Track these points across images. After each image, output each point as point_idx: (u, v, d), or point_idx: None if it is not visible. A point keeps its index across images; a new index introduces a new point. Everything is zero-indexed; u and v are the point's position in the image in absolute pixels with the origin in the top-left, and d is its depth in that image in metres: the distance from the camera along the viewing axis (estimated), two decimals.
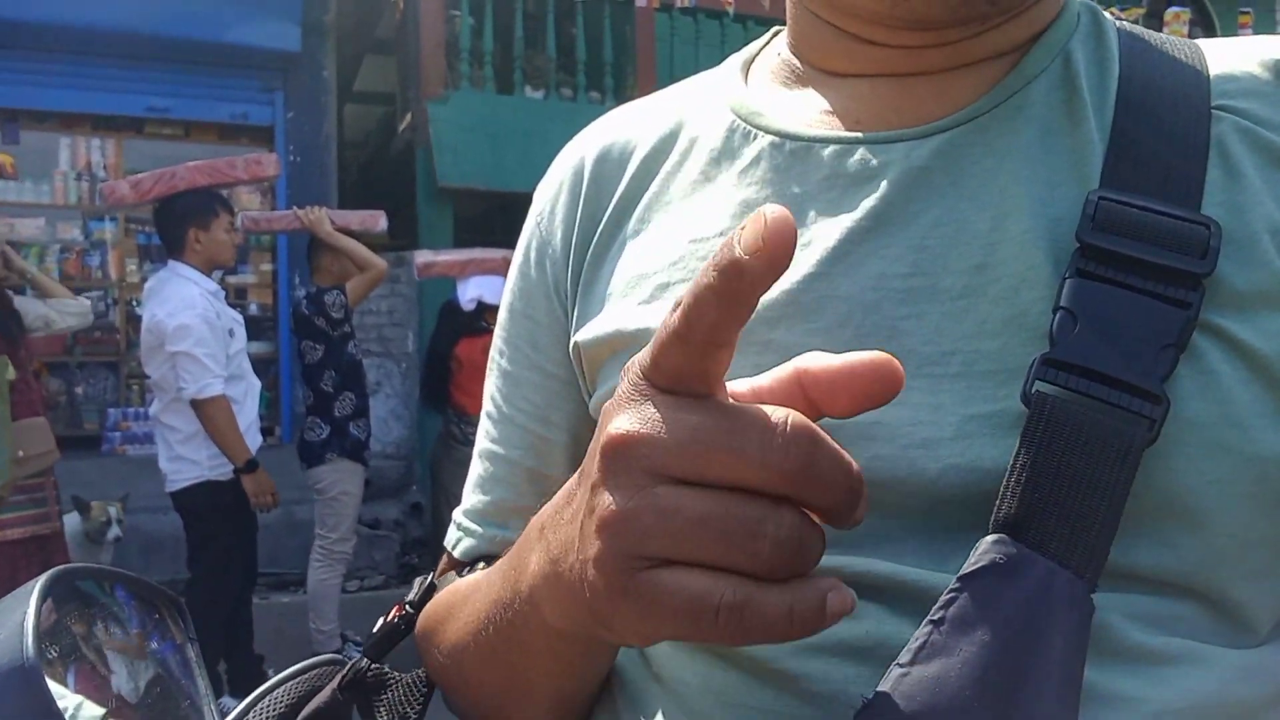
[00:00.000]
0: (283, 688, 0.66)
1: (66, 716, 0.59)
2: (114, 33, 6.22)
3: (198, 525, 3.78)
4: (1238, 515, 0.47)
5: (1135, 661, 0.46)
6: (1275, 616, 0.50)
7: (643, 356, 0.39)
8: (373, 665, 0.69)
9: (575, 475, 0.44)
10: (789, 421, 0.36)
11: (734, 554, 0.36)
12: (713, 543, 0.36)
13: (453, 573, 0.70)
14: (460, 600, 0.62)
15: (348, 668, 0.69)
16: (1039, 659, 0.41)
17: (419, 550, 6.25)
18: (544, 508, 0.48)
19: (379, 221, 4.53)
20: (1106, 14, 0.59)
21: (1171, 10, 5.69)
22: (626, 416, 0.38)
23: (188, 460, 3.70)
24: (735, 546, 0.35)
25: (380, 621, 0.70)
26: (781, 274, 0.35)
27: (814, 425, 0.37)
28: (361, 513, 4.74)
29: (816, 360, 0.39)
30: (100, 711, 0.63)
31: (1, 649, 0.50)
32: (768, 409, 0.37)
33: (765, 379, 0.41)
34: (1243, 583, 0.48)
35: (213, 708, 0.71)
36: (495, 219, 7.08)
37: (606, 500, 0.37)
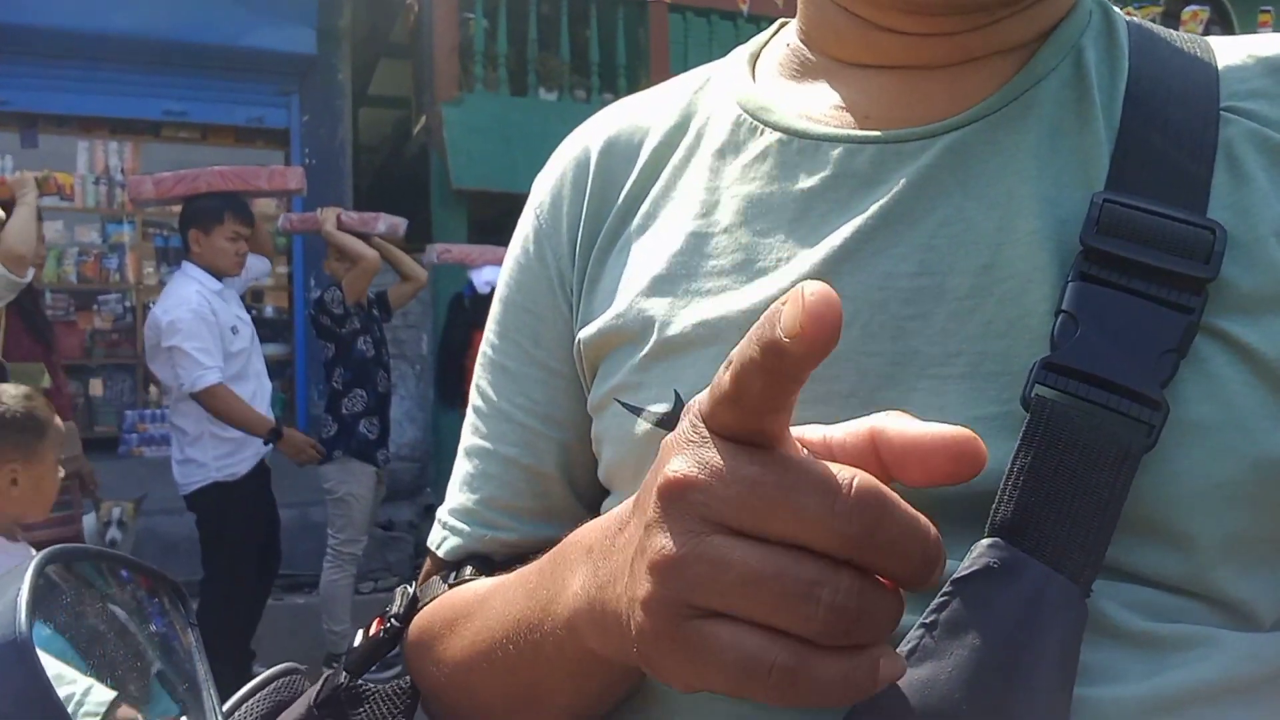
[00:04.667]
0: (247, 704, 0.65)
1: (74, 701, 0.59)
2: (131, 38, 6.27)
3: (208, 526, 3.82)
4: (1239, 516, 0.46)
5: (1136, 647, 0.46)
6: (1278, 608, 0.49)
7: (703, 399, 0.38)
8: (351, 681, 0.67)
9: (630, 503, 0.42)
10: (855, 484, 0.34)
11: (787, 616, 0.34)
12: (765, 602, 0.34)
13: (437, 578, 0.68)
14: (464, 613, 0.61)
15: (322, 681, 0.67)
16: (1031, 663, 0.41)
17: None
18: (587, 529, 0.47)
19: (377, 223, 4.55)
20: (1117, 9, 0.59)
21: (1189, 9, 5.65)
22: (685, 458, 0.37)
23: (196, 463, 3.74)
24: (788, 609, 0.34)
25: (360, 635, 0.68)
26: (827, 353, 0.33)
27: (883, 491, 0.35)
28: (375, 514, 4.75)
29: (894, 423, 0.38)
30: (109, 696, 0.63)
31: None
32: (835, 468, 0.35)
33: (838, 431, 0.40)
34: (1241, 580, 0.47)
35: (212, 692, 0.70)
36: (509, 221, 7.04)
37: (660, 543, 0.36)
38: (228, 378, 3.70)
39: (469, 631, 0.59)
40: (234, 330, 3.81)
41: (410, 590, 0.69)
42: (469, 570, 0.66)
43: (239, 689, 0.66)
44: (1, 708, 0.48)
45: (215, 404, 3.64)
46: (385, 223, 4.58)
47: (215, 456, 3.73)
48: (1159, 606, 0.46)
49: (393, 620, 0.67)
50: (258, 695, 0.66)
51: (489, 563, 0.67)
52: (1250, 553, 0.47)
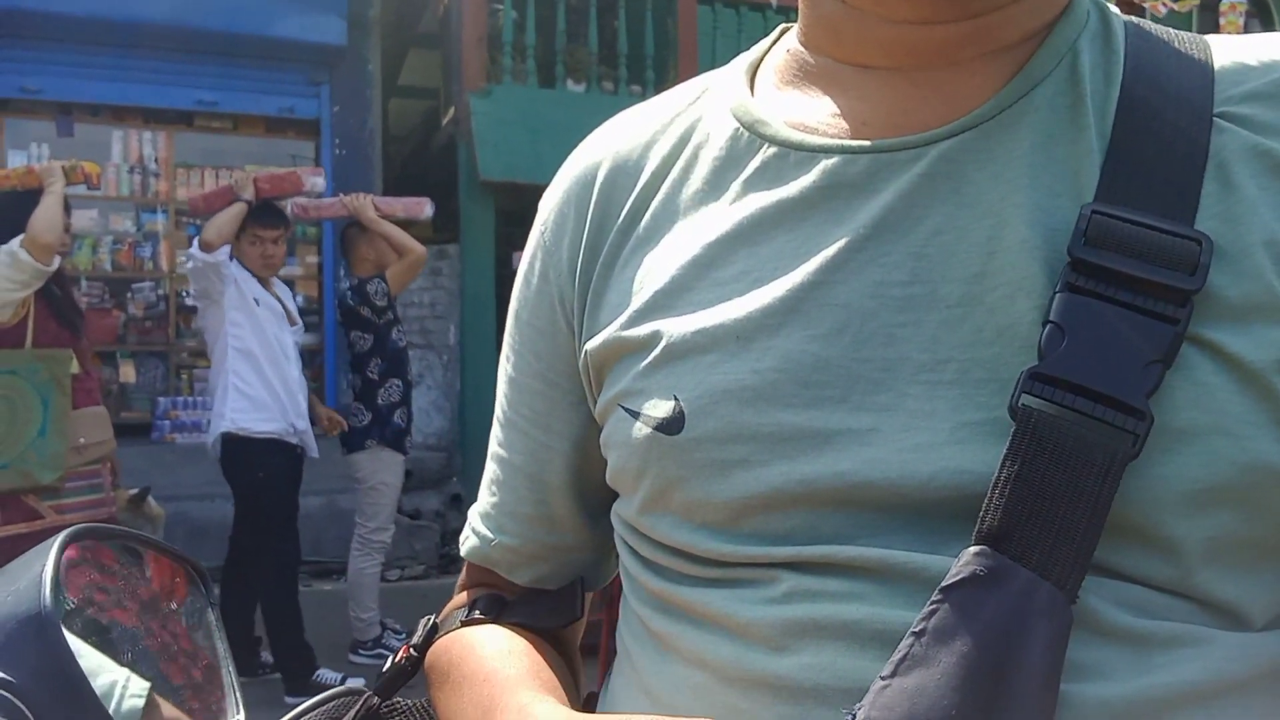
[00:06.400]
0: (306, 719, 0.67)
1: (119, 686, 0.61)
2: (163, 27, 6.34)
3: (231, 479, 4.03)
4: (1226, 520, 0.47)
5: (1124, 644, 0.46)
6: (1268, 610, 0.50)
7: None
8: (383, 703, 0.70)
9: None
10: None
11: None
12: None
13: (456, 613, 0.72)
14: (453, 679, 0.64)
15: (360, 703, 0.70)
16: (1017, 669, 0.42)
17: (458, 541, 6.30)
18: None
19: (424, 209, 4.52)
20: (1114, 9, 0.58)
21: (1227, 1, 5.56)
22: None
23: (218, 415, 3.99)
24: None
25: (390, 661, 0.72)
26: None
27: None
28: (402, 503, 4.80)
29: None
30: (145, 685, 0.64)
31: (19, 598, 0.51)
32: None
33: None
34: (1228, 583, 0.48)
35: (231, 670, 0.72)
36: (535, 212, 7.07)
37: None
38: (248, 347, 3.94)
39: (450, 706, 0.62)
40: (256, 301, 4.00)
41: (431, 620, 0.73)
42: (478, 611, 0.70)
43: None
44: (24, 679, 0.49)
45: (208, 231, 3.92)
46: (430, 207, 4.55)
47: (232, 408, 3.93)
48: (1147, 604, 0.47)
49: (413, 649, 0.71)
50: (314, 712, 0.69)
51: (499, 601, 0.71)
52: (1237, 555, 0.48)
